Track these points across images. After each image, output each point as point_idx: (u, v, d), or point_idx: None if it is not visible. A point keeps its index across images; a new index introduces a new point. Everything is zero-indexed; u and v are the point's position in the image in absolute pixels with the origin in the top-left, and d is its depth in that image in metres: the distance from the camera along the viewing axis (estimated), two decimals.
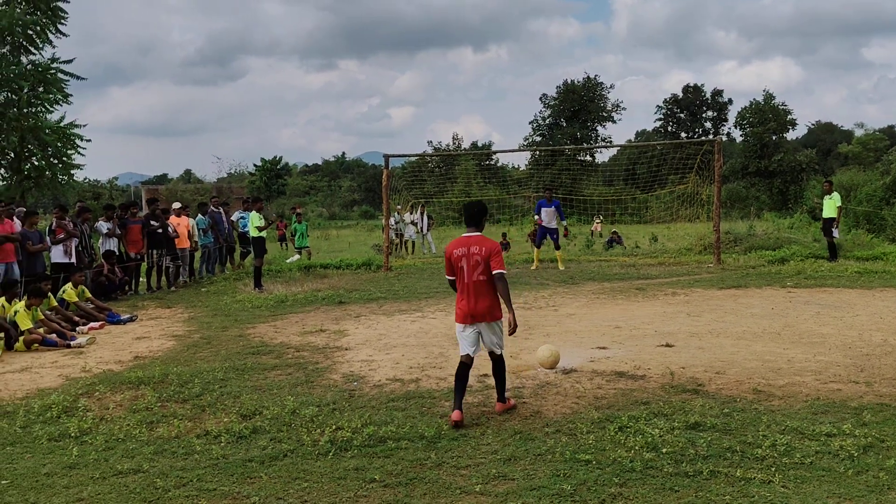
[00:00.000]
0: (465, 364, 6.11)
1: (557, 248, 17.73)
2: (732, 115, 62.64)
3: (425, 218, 25.29)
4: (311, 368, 7.95)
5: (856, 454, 4.95)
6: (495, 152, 62.05)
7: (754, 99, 55.92)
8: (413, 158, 51.61)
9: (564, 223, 18.21)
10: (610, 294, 13.01)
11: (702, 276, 15.05)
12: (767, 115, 53.06)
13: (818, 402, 6.19)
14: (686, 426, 5.61)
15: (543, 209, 17.29)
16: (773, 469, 4.78)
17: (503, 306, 6.06)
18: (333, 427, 5.81)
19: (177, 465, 5.25)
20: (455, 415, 5.89)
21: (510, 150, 46.31)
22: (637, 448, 5.17)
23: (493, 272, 5.95)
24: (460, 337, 6.16)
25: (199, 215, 17.27)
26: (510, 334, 6.04)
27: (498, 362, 6.24)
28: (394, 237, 23.52)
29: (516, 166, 62.65)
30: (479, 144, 67.49)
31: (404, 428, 5.77)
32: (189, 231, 16.47)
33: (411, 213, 25.26)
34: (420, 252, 24.91)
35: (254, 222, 14.80)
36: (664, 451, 5.11)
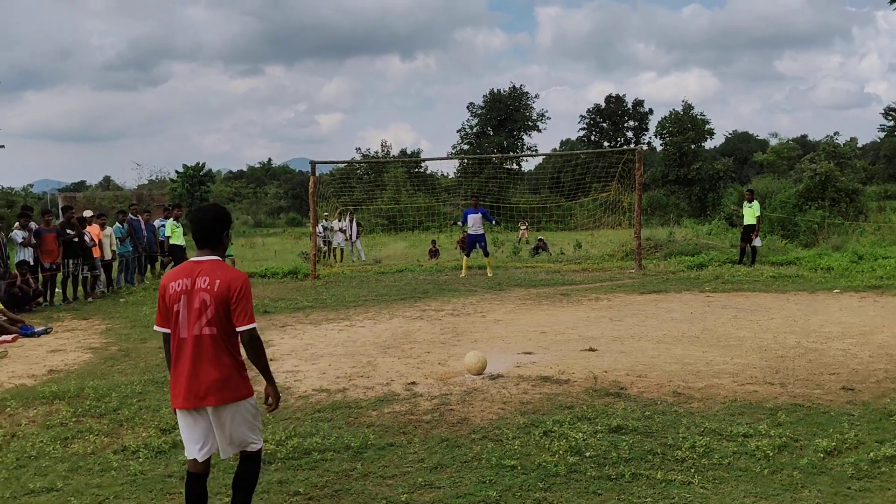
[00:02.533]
0: (196, 477, 4.04)
1: (486, 255, 17.88)
2: (653, 124, 64.33)
3: (354, 225, 25.14)
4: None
5: (771, 454, 5.13)
6: (424, 160, 62.11)
7: (673, 109, 57.50)
8: (341, 165, 51.24)
9: (493, 223, 18.41)
10: (536, 300, 13.17)
11: (624, 282, 15.38)
12: (686, 125, 54.63)
13: (735, 404, 6.38)
14: (609, 429, 5.71)
15: (470, 216, 17.41)
16: (692, 470, 4.90)
17: (254, 375, 4.09)
18: None
19: (93, 483, 5.06)
20: None
21: (439, 158, 46.61)
22: (561, 452, 5.23)
23: (238, 328, 3.84)
24: (182, 431, 4.01)
25: (116, 223, 16.74)
26: (271, 411, 4.17)
27: (249, 464, 4.12)
28: (321, 245, 23.30)
29: (445, 174, 62.88)
30: (409, 152, 67.42)
31: (330, 439, 5.70)
32: (99, 239, 15.95)
33: (340, 221, 25.07)
34: (349, 260, 24.73)
35: (169, 230, 14.48)
36: (588, 454, 5.19)
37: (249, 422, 3.99)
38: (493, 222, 18.34)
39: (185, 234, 16.72)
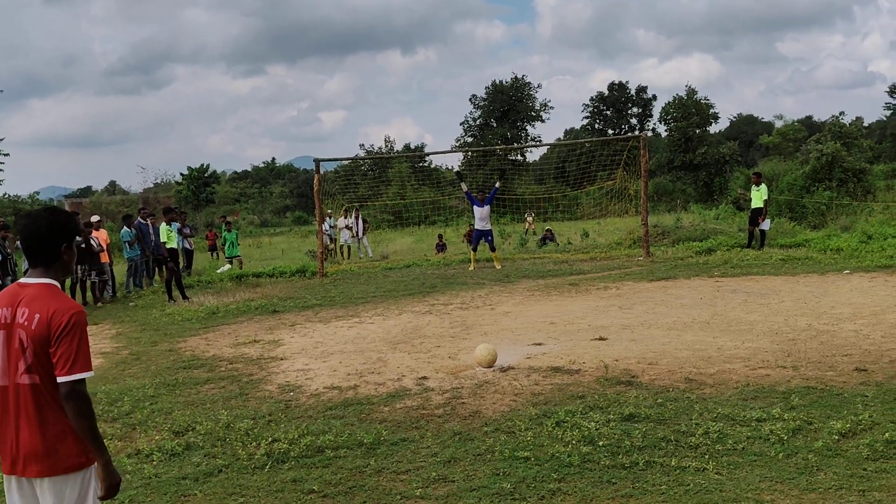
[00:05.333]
0: None
1: (493, 249, 17.85)
2: (657, 110, 64.14)
3: (360, 222, 25.14)
4: (245, 381, 7.79)
5: (785, 438, 5.10)
6: (428, 154, 62.24)
7: (677, 94, 57.37)
8: (345, 162, 51.29)
9: (498, 184, 18.26)
10: (544, 290, 13.14)
11: (632, 270, 15.34)
12: (690, 110, 54.45)
13: (748, 388, 6.36)
14: (621, 418, 5.69)
15: (476, 209, 17.37)
16: (706, 456, 4.88)
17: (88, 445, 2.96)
18: (269, 439, 5.69)
19: None
20: None
21: (443, 152, 46.51)
22: (574, 442, 5.22)
23: (60, 380, 2.87)
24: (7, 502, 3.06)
25: (125, 227, 16.78)
26: (105, 498, 3.01)
27: None
28: (328, 242, 23.31)
29: (450, 167, 62.89)
30: (412, 146, 67.45)
31: (342, 436, 5.70)
32: (106, 244, 15.99)
33: (346, 218, 25.07)
34: (356, 257, 24.75)
35: (164, 235, 14.52)
36: (601, 443, 5.17)
37: (76, 502, 2.95)
38: (496, 188, 18.10)
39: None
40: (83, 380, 2.89)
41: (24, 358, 2.91)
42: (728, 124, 77.79)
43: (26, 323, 2.91)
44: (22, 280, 3.11)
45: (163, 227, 14.64)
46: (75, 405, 2.89)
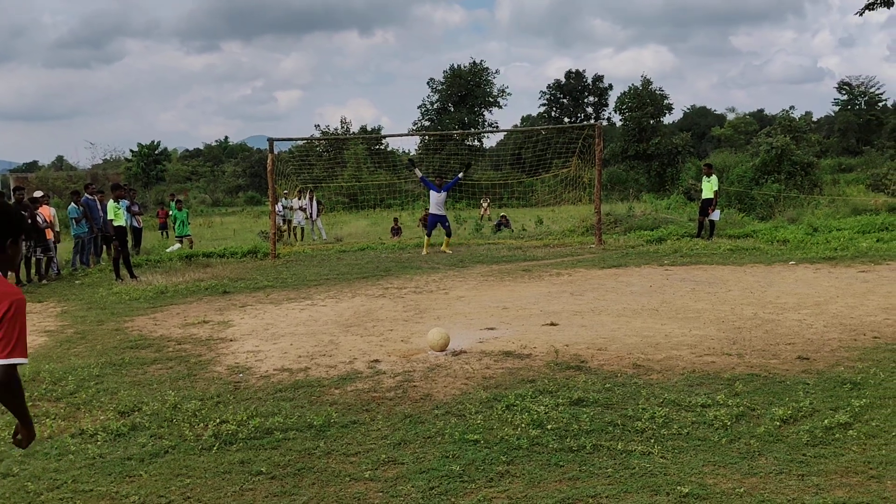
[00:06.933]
0: None
1: (448, 234, 17.86)
2: (612, 100, 64.71)
3: (314, 203, 24.93)
4: (193, 361, 7.68)
5: (729, 423, 5.22)
6: (384, 136, 61.67)
7: (632, 84, 57.91)
8: (300, 142, 50.74)
9: (461, 175, 18.30)
10: (498, 276, 13.20)
11: (584, 257, 15.50)
12: (645, 100, 55.03)
13: (694, 375, 6.48)
14: (570, 402, 5.76)
15: (433, 194, 17.35)
16: (652, 441, 4.97)
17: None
18: (217, 420, 5.63)
19: (50, 467, 4.96)
20: None
21: (400, 135, 46.18)
22: (524, 426, 5.27)
23: None
24: None
25: (72, 204, 16.37)
26: (20, 446, 3.27)
27: None
28: (281, 223, 23.06)
29: (407, 151, 62.59)
30: (369, 128, 66.97)
31: (292, 418, 5.66)
32: (51, 220, 15.58)
33: (300, 199, 24.83)
34: (309, 238, 24.55)
35: (111, 213, 14.23)
36: (549, 427, 5.23)
37: None
38: (458, 178, 18.15)
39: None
40: (14, 369, 2.94)
41: None
42: (681, 116, 78.90)
43: None
44: None
45: (110, 204, 14.32)
46: (8, 387, 2.94)
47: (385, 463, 4.81)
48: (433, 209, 17.47)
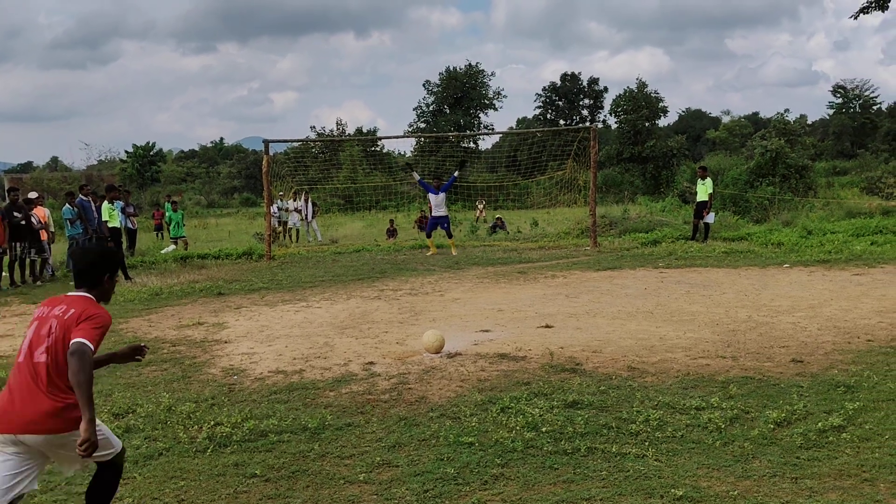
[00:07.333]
0: None
1: (450, 235, 17.87)
2: (608, 102, 64.74)
3: (310, 205, 24.91)
4: (187, 363, 7.67)
5: (723, 426, 5.22)
6: (380, 138, 61.80)
7: (628, 87, 57.92)
8: (295, 144, 50.70)
9: (457, 174, 18.35)
10: (493, 278, 13.21)
11: (579, 259, 15.51)
12: (640, 103, 55.04)
13: (688, 378, 6.49)
14: (565, 405, 5.76)
15: (432, 196, 17.36)
16: (646, 443, 4.97)
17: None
18: (212, 423, 5.61)
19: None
20: None
21: (395, 137, 46.11)
22: (518, 428, 5.27)
23: (73, 339, 3.44)
24: None
25: (66, 205, 16.31)
26: (83, 455, 3.33)
27: (107, 473, 3.91)
28: (276, 225, 23.04)
29: (402, 152, 62.66)
30: (365, 130, 66.93)
31: (286, 420, 5.65)
32: (45, 222, 15.54)
33: (295, 201, 24.81)
34: (304, 240, 24.53)
35: (106, 214, 14.20)
36: (544, 429, 5.23)
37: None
38: (454, 176, 18.20)
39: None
40: (90, 346, 3.43)
41: (47, 342, 3.54)
42: (676, 118, 79.06)
43: (61, 314, 3.59)
44: (70, 293, 3.80)
45: (105, 205, 14.30)
46: (79, 361, 3.38)
47: (380, 465, 4.80)
48: (434, 211, 17.50)
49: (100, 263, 3.87)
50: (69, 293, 3.80)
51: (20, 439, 3.47)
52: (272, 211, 19.76)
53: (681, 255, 15.25)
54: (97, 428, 3.47)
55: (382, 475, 4.66)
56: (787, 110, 56.79)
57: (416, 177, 18.28)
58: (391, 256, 17.44)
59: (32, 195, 16.01)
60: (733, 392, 5.99)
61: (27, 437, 3.47)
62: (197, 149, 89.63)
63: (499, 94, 66.70)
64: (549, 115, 68.30)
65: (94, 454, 3.48)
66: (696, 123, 78.28)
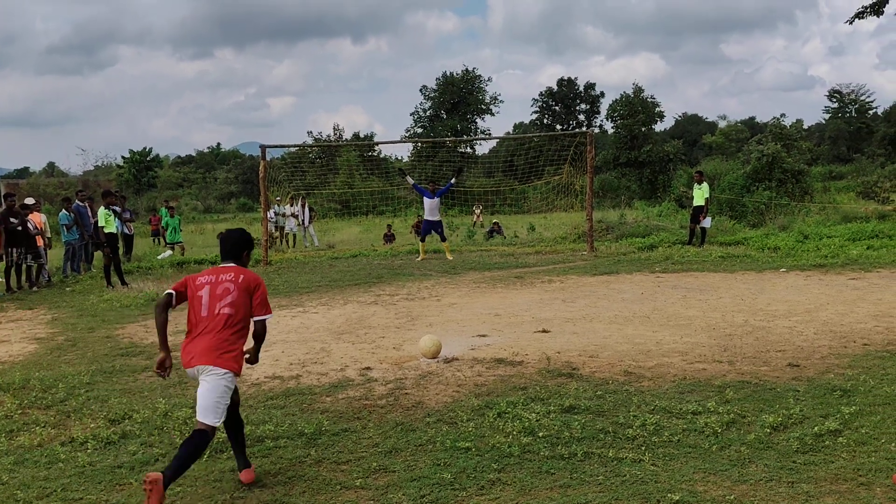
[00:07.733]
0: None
1: (443, 239, 17.88)
2: (604, 107, 64.87)
3: (306, 210, 24.90)
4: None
5: (719, 430, 5.23)
6: (377, 143, 61.81)
7: (624, 92, 58.02)
8: (292, 149, 50.70)
9: (453, 180, 18.40)
10: (490, 283, 13.22)
11: (576, 264, 15.53)
12: (637, 108, 55.12)
13: (685, 382, 6.50)
14: (561, 409, 5.76)
15: (427, 200, 17.36)
16: (643, 448, 4.98)
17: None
18: None
19: (39, 475, 4.94)
20: None
21: (392, 142, 46.11)
22: (515, 433, 5.27)
23: (255, 318, 4.77)
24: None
25: (63, 210, 16.32)
26: (251, 362, 4.92)
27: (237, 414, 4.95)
28: (273, 230, 23.03)
29: (399, 157, 62.70)
30: (362, 135, 66.97)
31: (283, 426, 5.65)
32: (41, 227, 15.53)
33: (292, 206, 24.80)
34: (301, 245, 24.52)
35: (102, 220, 14.19)
36: (541, 434, 5.23)
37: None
38: (451, 182, 18.26)
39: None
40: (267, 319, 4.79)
41: (228, 297, 4.64)
42: (673, 123, 79.32)
43: (232, 277, 4.72)
44: (220, 265, 4.88)
45: (101, 210, 14.28)
46: (261, 331, 4.78)
47: (376, 471, 4.80)
48: (427, 215, 17.49)
49: (241, 243, 4.94)
50: (221, 265, 4.88)
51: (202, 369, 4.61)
52: (269, 216, 19.75)
53: (677, 260, 15.27)
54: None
55: (379, 480, 4.66)
56: (783, 115, 56.89)
57: (410, 181, 18.31)
58: (388, 261, 17.43)
59: (29, 201, 16.00)
60: (730, 396, 6.00)
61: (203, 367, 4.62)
62: (194, 154, 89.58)
63: (495, 99, 66.94)
64: (545, 120, 68.43)
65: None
66: (692, 128, 78.50)
